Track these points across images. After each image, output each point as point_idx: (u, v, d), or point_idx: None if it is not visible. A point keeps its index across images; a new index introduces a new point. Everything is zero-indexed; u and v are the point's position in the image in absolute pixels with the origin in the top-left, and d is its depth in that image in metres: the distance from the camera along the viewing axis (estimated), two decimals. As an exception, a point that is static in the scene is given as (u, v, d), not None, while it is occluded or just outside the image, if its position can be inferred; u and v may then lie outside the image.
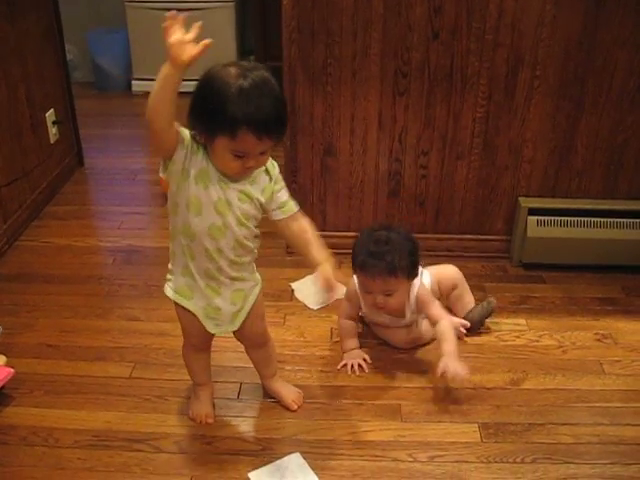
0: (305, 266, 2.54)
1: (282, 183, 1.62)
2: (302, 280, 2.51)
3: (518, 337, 2.28)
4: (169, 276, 1.69)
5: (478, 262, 2.67)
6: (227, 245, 1.56)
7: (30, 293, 2.48)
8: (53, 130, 3.16)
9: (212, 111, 1.37)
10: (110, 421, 1.93)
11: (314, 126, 2.49)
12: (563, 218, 2.54)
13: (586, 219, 2.54)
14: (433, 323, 2.09)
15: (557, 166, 2.53)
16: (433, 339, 2.19)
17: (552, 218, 2.54)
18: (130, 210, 3.06)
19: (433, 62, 2.36)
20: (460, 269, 2.34)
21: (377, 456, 1.82)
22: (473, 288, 2.37)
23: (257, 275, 1.76)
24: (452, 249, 2.66)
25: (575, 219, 2.54)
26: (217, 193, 1.49)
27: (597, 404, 2.02)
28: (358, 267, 2.05)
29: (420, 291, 2.12)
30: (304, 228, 1.67)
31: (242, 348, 1.95)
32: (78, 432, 1.90)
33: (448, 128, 2.47)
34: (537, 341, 2.28)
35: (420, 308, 2.12)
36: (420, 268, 2.15)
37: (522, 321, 2.36)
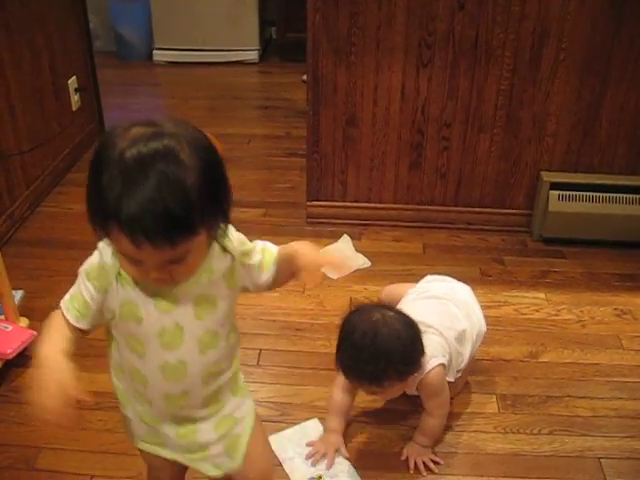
0: (326, 236, 2.60)
1: (250, 246, 1.15)
2: (322, 250, 2.51)
3: (537, 311, 2.28)
4: (125, 422, 1.26)
5: (498, 236, 2.66)
6: (194, 383, 1.14)
7: (51, 258, 2.50)
8: (75, 97, 3.17)
9: (90, 185, 0.93)
10: (131, 384, 1.95)
11: (337, 96, 2.48)
12: (585, 193, 2.53)
13: (608, 195, 2.53)
14: (426, 411, 1.75)
15: (580, 141, 2.51)
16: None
17: (574, 193, 2.53)
18: (151, 178, 3.06)
19: (458, 33, 2.34)
20: (480, 242, 2.34)
21: (395, 424, 1.84)
22: (492, 261, 2.38)
23: (243, 386, 1.30)
24: (472, 222, 2.66)
25: (597, 194, 2.53)
26: (156, 321, 1.06)
27: (615, 379, 2.02)
28: (341, 369, 1.66)
29: (426, 380, 1.69)
30: (284, 257, 1.18)
31: (263, 314, 1.96)
32: (99, 394, 1.90)
33: (471, 100, 2.45)
34: (556, 315, 2.27)
35: (420, 393, 1.74)
36: (430, 332, 1.73)
37: (541, 295, 2.36)
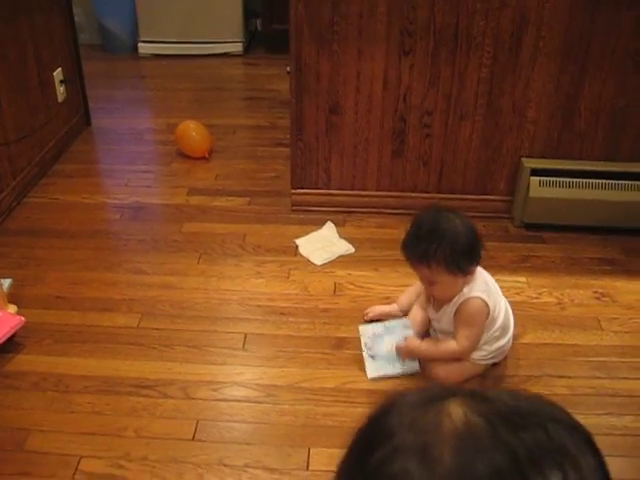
0: (310, 223, 2.63)
1: None
2: (307, 237, 2.55)
3: (518, 294, 2.32)
4: None
5: (480, 222, 2.66)
6: None
7: (39, 247, 2.52)
8: (61, 89, 3.19)
9: None
10: (118, 368, 1.98)
11: (320, 84, 2.51)
12: (565, 179, 2.57)
13: (588, 181, 2.57)
14: (454, 336, 1.91)
15: (560, 128, 2.55)
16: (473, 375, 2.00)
17: (554, 179, 2.57)
18: (137, 168, 3.10)
19: (439, 21, 2.37)
20: None
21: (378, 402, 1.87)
22: (475, 246, 2.40)
23: None
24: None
25: (577, 180, 2.57)
26: None
27: (594, 358, 2.07)
28: (401, 247, 1.88)
29: (465, 304, 1.87)
30: None
31: (248, 299, 2.00)
32: (87, 378, 1.96)
33: (452, 88, 2.49)
34: (536, 298, 2.32)
35: (455, 317, 1.90)
36: (481, 278, 1.91)
37: (522, 279, 2.40)
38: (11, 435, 1.76)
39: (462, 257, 1.79)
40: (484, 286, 1.90)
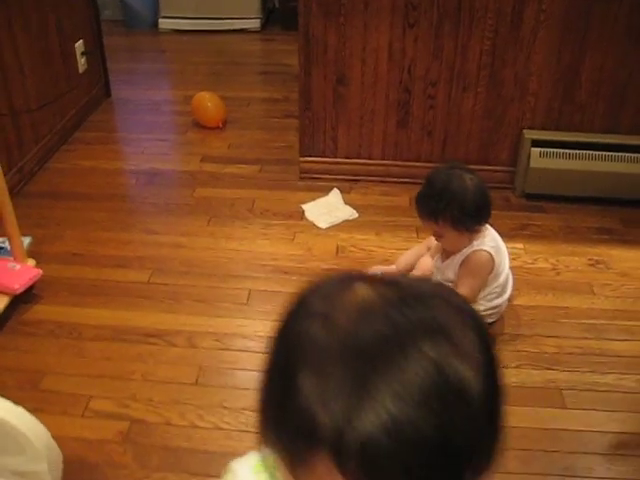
0: (317, 190, 2.73)
1: None
2: (313, 202, 2.65)
3: (514, 259, 2.40)
4: None
5: (482, 192, 2.77)
6: None
7: (58, 208, 2.65)
8: (82, 61, 3.31)
9: (276, 382, 0.57)
10: (129, 319, 2.11)
11: (327, 56, 2.60)
12: (566, 151, 2.63)
13: (588, 152, 2.63)
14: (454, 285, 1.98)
15: (561, 100, 2.62)
16: None
17: (555, 150, 2.64)
18: (153, 137, 3.21)
19: (443, -6, 2.45)
20: None
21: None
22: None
23: None
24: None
25: (577, 152, 2.63)
26: None
27: (584, 321, 2.15)
28: (415, 201, 1.99)
29: (473, 255, 1.97)
30: None
31: (254, 259, 2.10)
32: (99, 327, 2.08)
33: (456, 60, 2.56)
34: (532, 263, 2.40)
35: (460, 267, 1.99)
36: (490, 236, 2.02)
37: (520, 245, 2.48)
38: (28, 376, 1.89)
39: (469, 217, 1.91)
40: (493, 242, 2.01)
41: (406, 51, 2.55)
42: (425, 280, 0.56)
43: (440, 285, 0.59)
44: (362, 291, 0.54)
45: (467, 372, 0.50)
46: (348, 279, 0.56)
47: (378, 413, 0.47)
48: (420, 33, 2.51)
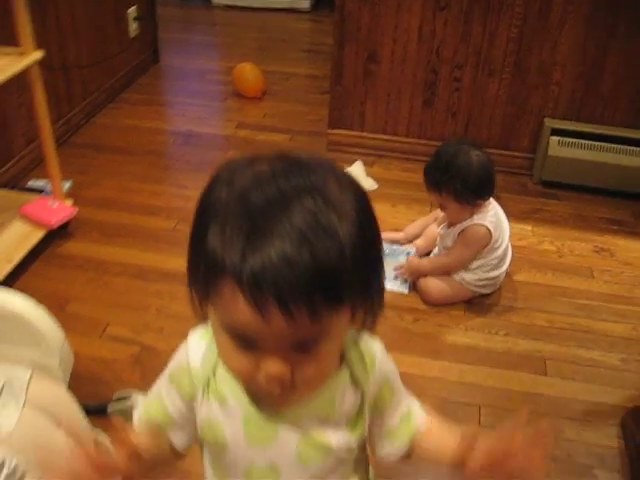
0: (341, 161, 2.86)
1: (394, 392, 0.87)
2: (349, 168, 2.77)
3: (521, 240, 2.51)
4: None
5: (501, 176, 2.81)
6: None
7: (99, 159, 2.85)
8: (134, 25, 3.49)
9: (194, 236, 0.72)
10: (152, 260, 2.28)
11: (360, 33, 2.73)
12: (584, 141, 2.72)
13: (606, 145, 2.71)
14: (448, 251, 2.16)
15: (584, 91, 2.70)
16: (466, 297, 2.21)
17: (574, 140, 2.72)
18: (195, 102, 3.40)
19: (474, -19, 2.56)
20: None
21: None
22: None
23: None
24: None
25: (596, 143, 2.71)
26: (244, 456, 0.81)
27: (578, 300, 2.25)
28: (424, 171, 2.14)
29: (470, 228, 2.10)
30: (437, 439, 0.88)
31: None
32: (124, 265, 2.26)
33: (483, 45, 2.66)
34: (538, 245, 2.50)
35: (458, 236, 2.12)
36: (492, 211, 2.12)
37: (528, 227, 2.59)
38: (55, 300, 2.07)
39: (470, 192, 2.03)
40: (494, 218, 2.13)
41: (436, 33, 2.67)
42: (315, 155, 0.71)
43: (328, 160, 0.74)
44: (259, 165, 0.69)
45: (338, 220, 0.65)
46: (252, 158, 0.71)
47: (264, 245, 0.63)
48: (450, 17, 2.63)
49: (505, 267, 2.21)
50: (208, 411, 0.81)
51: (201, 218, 0.70)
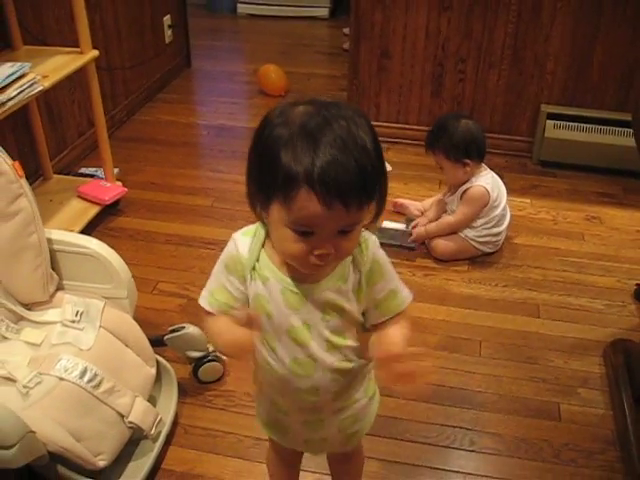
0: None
1: (384, 274, 1.12)
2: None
3: (520, 210, 2.80)
4: (256, 402, 1.33)
5: (503, 158, 3.17)
6: (323, 380, 1.13)
7: (141, 150, 3.20)
8: (168, 33, 3.85)
9: (263, 165, 0.96)
10: (193, 231, 2.62)
11: (374, 32, 3.05)
12: (577, 124, 3.02)
13: (598, 126, 3.01)
14: (453, 213, 2.47)
15: (575, 79, 3.00)
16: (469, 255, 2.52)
17: (568, 123, 3.02)
18: (225, 100, 3.75)
19: (474, -18, 2.88)
20: (486, 162, 2.79)
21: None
22: (490, 171, 2.89)
23: (372, 384, 1.29)
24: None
25: (588, 125, 3.01)
26: (285, 318, 1.08)
27: (570, 259, 2.54)
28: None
29: (470, 189, 2.42)
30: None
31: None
32: (169, 235, 2.60)
33: (483, 40, 2.98)
34: (535, 214, 2.80)
35: (460, 198, 2.44)
36: (489, 175, 2.46)
37: (527, 200, 2.88)
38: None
39: (456, 150, 2.38)
40: (490, 180, 2.46)
41: (441, 30, 2.99)
42: (338, 101, 0.98)
43: (347, 104, 0.99)
44: (301, 107, 0.95)
45: (365, 136, 0.93)
46: (290, 103, 0.97)
47: (325, 155, 0.89)
48: (453, 15, 2.95)
49: (505, 225, 2.50)
50: (255, 289, 1.08)
51: (266, 150, 0.94)
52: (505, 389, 1.97)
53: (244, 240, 1.09)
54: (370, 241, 1.10)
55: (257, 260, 1.07)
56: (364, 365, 1.19)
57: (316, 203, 0.89)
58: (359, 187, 0.91)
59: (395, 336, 1.09)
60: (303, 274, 1.05)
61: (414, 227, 2.54)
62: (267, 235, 1.07)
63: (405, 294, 1.14)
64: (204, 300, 1.12)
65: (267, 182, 0.95)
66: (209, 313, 1.11)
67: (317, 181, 0.88)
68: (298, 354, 1.09)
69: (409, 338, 1.10)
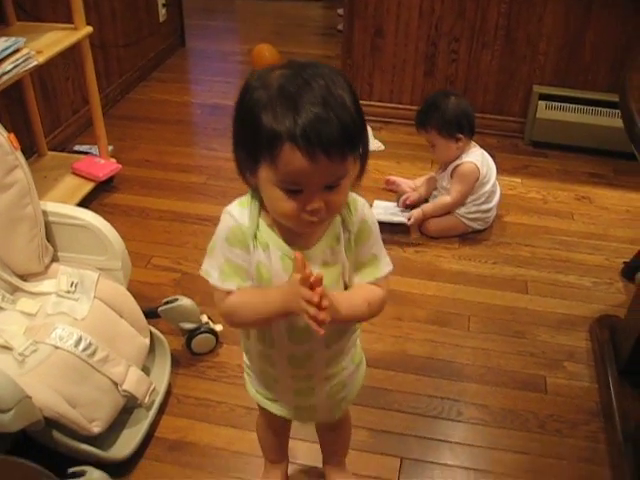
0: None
1: (371, 235, 1.15)
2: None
3: (511, 190, 2.83)
4: (247, 371, 1.35)
5: (495, 138, 3.20)
6: (318, 345, 1.19)
7: (135, 128, 3.22)
8: (162, 11, 3.86)
9: (246, 129, 1.00)
10: (187, 207, 2.64)
11: (367, 11, 3.06)
12: (569, 105, 3.04)
13: (589, 107, 3.03)
14: (448, 193, 2.50)
15: (567, 60, 3.02)
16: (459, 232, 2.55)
17: (559, 104, 3.05)
18: (219, 80, 3.77)
19: (467, -39, 2.89)
20: (478, 141, 2.76)
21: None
22: (481, 151, 2.92)
23: (359, 351, 1.35)
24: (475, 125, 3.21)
25: (579, 107, 3.04)
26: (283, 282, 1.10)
27: (559, 237, 2.58)
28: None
29: (461, 166, 2.46)
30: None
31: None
32: (163, 211, 2.62)
33: (476, 20, 2.99)
34: (525, 194, 2.83)
35: (452, 176, 2.48)
36: (479, 152, 2.50)
37: (517, 180, 2.91)
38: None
39: (449, 125, 2.42)
40: (480, 156, 2.50)
41: (434, 9, 3.00)
42: (314, 61, 1.01)
43: (324, 64, 1.01)
44: (278, 70, 0.99)
45: (343, 93, 0.97)
46: (269, 68, 1.00)
47: (307, 113, 0.93)
48: (446, -6, 2.97)
49: (495, 202, 2.53)
50: (258, 257, 1.09)
51: (248, 114, 0.98)
52: (493, 362, 2.01)
53: (241, 210, 1.11)
54: (359, 202, 1.13)
55: (257, 228, 1.10)
56: (352, 331, 1.24)
57: (300, 157, 0.93)
58: (341, 138, 0.94)
59: (348, 292, 1.14)
60: (300, 241, 1.09)
61: (405, 200, 2.57)
62: (262, 204, 1.09)
63: (384, 263, 1.17)
64: (219, 282, 1.11)
65: (252, 145, 0.98)
66: (229, 293, 1.11)
67: (300, 136, 0.92)
68: (295, 320, 1.11)
69: (371, 303, 1.13)
